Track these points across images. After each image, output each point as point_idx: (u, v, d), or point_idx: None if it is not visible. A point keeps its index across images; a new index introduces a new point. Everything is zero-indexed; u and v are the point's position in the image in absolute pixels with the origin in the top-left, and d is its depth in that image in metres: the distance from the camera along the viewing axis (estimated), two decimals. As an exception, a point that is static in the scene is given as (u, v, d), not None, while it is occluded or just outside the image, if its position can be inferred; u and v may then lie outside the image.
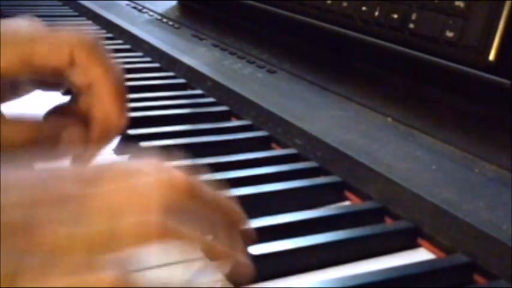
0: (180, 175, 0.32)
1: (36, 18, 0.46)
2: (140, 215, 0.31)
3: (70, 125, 0.44)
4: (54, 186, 0.31)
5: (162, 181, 0.32)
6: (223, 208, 0.35)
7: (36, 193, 0.30)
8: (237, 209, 0.37)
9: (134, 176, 0.32)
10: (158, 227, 0.31)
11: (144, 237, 0.31)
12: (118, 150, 0.56)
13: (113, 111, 0.44)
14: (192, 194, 0.32)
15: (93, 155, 0.45)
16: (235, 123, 0.63)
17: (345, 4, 0.67)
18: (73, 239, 0.29)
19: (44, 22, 0.47)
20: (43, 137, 0.43)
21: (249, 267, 0.38)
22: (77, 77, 0.45)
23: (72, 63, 0.43)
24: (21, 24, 0.44)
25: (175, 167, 0.33)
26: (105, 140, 0.45)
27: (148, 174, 0.32)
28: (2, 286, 0.27)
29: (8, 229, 0.28)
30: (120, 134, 0.50)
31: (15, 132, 0.42)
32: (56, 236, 0.29)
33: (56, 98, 0.56)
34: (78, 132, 0.44)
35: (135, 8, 1.10)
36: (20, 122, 0.43)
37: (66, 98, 0.52)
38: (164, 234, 0.31)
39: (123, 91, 0.45)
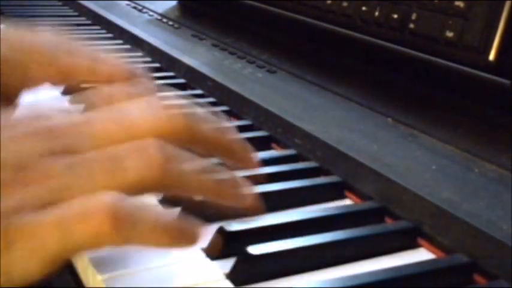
0: (176, 114, 0.31)
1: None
2: (140, 148, 0.29)
3: None
4: (44, 119, 0.30)
5: (159, 119, 0.31)
6: (225, 145, 0.35)
7: (26, 127, 0.29)
8: (240, 143, 0.36)
9: (127, 104, 0.31)
10: (160, 161, 0.29)
11: (146, 170, 0.29)
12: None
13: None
14: (191, 135, 0.31)
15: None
16: (235, 123, 0.63)
17: (345, 4, 0.67)
18: (72, 168, 0.28)
19: (44, 22, 0.47)
20: None
21: (257, 200, 0.38)
22: None
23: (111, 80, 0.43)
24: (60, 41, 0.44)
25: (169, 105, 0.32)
26: None
27: (145, 107, 0.31)
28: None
29: (2, 167, 0.28)
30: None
31: None
32: (52, 168, 0.28)
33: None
34: None
35: (135, 8, 1.10)
36: None
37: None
38: (166, 170, 0.29)
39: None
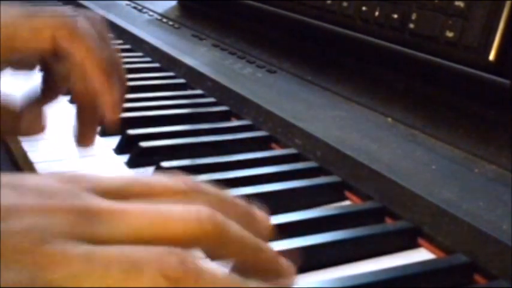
0: (208, 215, 0.29)
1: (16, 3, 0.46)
2: (161, 251, 0.28)
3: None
4: (74, 195, 0.29)
5: (193, 226, 0.29)
6: (253, 247, 0.31)
7: (63, 199, 0.28)
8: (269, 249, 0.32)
9: (161, 197, 0.31)
10: (177, 275, 0.27)
11: (161, 281, 0.27)
12: (118, 150, 0.56)
13: (102, 89, 0.45)
14: (219, 237, 0.29)
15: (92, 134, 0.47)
16: (235, 123, 0.63)
17: (345, 4, 0.67)
18: (90, 261, 0.27)
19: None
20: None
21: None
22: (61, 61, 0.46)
23: (54, 45, 0.44)
24: (2, 9, 0.44)
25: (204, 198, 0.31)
26: (95, 118, 0.47)
27: (177, 200, 0.30)
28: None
29: (17, 242, 0.26)
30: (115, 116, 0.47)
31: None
32: (70, 257, 0.26)
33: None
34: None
35: (135, 8, 1.10)
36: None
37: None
38: (183, 274, 0.27)
39: (113, 66, 0.46)
